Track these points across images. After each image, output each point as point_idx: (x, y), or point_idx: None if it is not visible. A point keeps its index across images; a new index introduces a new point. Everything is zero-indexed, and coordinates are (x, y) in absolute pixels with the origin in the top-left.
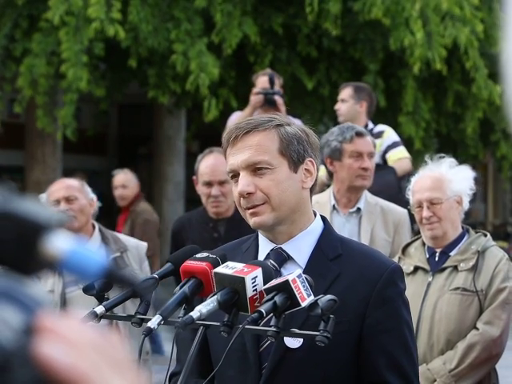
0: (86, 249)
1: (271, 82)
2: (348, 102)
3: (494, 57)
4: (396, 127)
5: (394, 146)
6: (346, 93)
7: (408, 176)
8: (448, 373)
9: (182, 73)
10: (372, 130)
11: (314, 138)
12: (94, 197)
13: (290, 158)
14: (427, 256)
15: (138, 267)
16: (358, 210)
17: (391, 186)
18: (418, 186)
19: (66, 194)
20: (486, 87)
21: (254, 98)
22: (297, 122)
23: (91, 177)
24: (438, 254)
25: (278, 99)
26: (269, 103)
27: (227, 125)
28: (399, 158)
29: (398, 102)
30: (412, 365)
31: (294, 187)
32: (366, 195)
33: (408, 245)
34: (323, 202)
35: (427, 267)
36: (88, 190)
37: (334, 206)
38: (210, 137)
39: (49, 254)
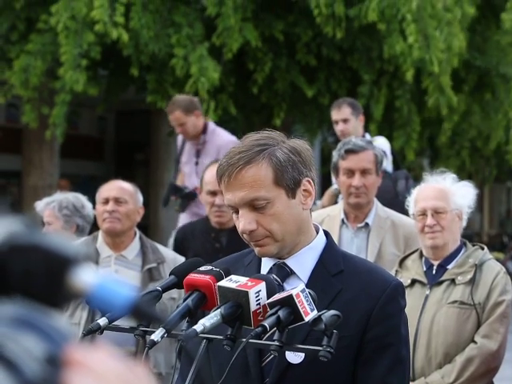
0: (113, 283)
1: None
2: (351, 121)
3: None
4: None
5: None
6: (346, 112)
7: (406, 183)
8: None
9: (181, 77)
10: None
11: (307, 153)
12: (142, 206)
13: (286, 187)
14: (424, 269)
15: None
16: (367, 224)
17: (388, 190)
18: (423, 195)
19: (117, 195)
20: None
21: None
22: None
23: (88, 182)
24: (435, 267)
25: None
26: None
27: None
28: None
29: (391, 114)
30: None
31: (294, 214)
32: (377, 209)
33: (405, 258)
34: (334, 215)
35: (424, 280)
36: (140, 197)
37: (343, 220)
38: None
39: (76, 287)
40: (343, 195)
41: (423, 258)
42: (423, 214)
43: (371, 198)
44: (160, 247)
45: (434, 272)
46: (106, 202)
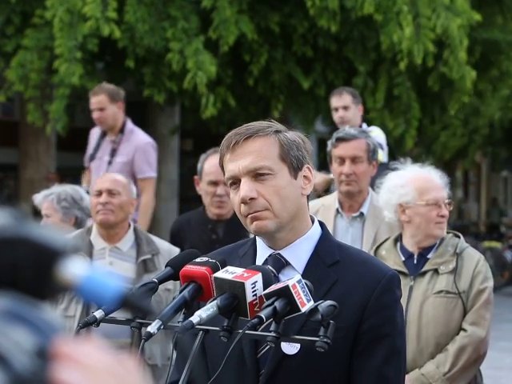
0: (102, 274)
1: None
2: (351, 108)
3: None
4: (390, 127)
5: None
6: (346, 99)
7: None
8: (443, 376)
9: (178, 71)
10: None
11: (309, 145)
12: (135, 197)
13: (290, 164)
14: (403, 259)
15: None
16: (362, 214)
17: None
18: (429, 186)
19: (110, 187)
20: (459, 70)
21: None
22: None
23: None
24: (416, 257)
25: None
26: None
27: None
28: None
29: (391, 101)
30: (398, 375)
31: (294, 194)
32: (372, 198)
33: (378, 247)
34: (328, 205)
35: (406, 271)
36: (133, 189)
37: (337, 209)
38: (203, 135)
39: (64, 279)
40: (336, 183)
41: (398, 247)
42: (435, 203)
43: (363, 186)
44: (155, 238)
45: (415, 261)
46: (100, 194)
